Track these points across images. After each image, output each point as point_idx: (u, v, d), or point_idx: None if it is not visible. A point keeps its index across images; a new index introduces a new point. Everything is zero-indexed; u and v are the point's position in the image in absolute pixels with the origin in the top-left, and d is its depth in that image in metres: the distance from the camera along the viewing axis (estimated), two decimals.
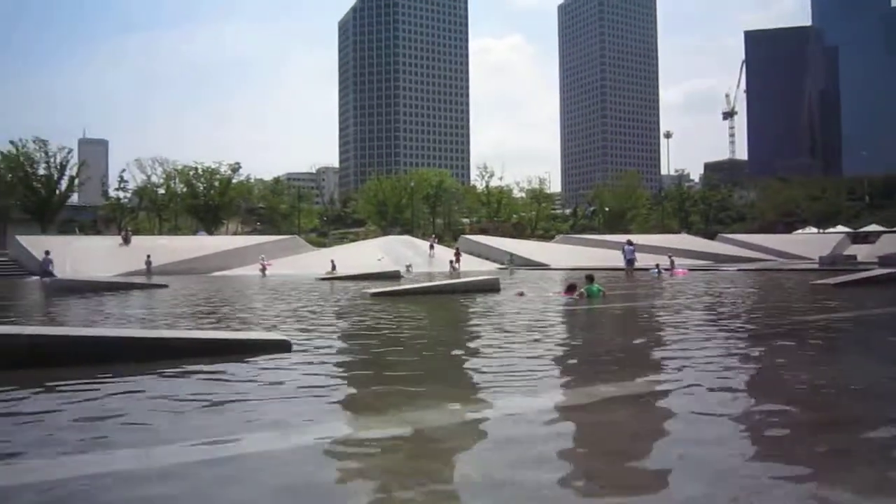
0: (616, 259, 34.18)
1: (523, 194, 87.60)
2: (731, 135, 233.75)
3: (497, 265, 44.11)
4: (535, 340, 7.89)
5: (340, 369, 6.26)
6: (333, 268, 36.85)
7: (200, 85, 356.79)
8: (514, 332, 8.71)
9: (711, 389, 4.74)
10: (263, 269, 37.44)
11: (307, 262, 41.92)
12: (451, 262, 40.74)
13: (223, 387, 4.90)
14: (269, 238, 53.42)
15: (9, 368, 5.37)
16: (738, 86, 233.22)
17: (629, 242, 27.54)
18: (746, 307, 12.73)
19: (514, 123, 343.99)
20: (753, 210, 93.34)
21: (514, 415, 4.15)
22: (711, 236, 64.29)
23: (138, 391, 4.75)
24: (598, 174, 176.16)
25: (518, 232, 73.71)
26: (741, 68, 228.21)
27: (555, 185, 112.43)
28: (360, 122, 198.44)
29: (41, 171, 61.07)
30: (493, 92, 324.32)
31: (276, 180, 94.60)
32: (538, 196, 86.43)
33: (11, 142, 60.83)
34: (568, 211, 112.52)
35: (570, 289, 14.68)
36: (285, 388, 4.94)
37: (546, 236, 73.78)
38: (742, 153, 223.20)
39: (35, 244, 41.99)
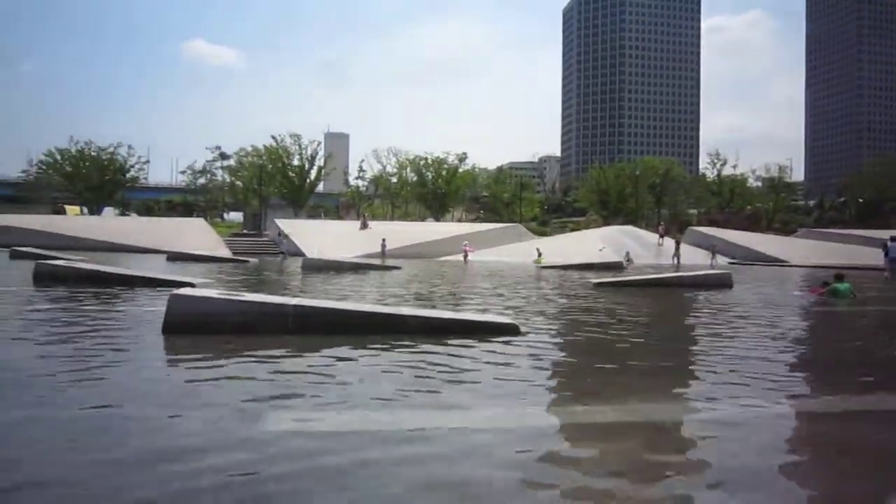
0: (871, 257, 30.29)
1: (759, 183, 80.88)
2: None
3: (727, 259, 41.28)
4: (770, 339, 7.34)
5: (566, 355, 6.33)
6: (540, 255, 37.31)
7: (429, 80, 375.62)
8: (746, 329, 8.16)
9: None
10: (465, 256, 38.85)
11: (519, 250, 42.46)
12: (673, 255, 39.06)
13: (458, 363, 5.18)
14: (491, 226, 54.99)
15: (278, 333, 6.17)
16: None
17: (893, 239, 24.14)
18: None
19: (750, 107, 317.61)
20: None
21: (745, 415, 3.93)
22: None
23: (383, 360, 5.20)
24: (850, 161, 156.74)
25: (752, 224, 68.21)
26: None
27: (797, 174, 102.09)
28: (582, 109, 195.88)
29: (295, 162, 68.41)
30: (726, 73, 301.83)
31: (499, 169, 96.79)
32: (776, 185, 79.25)
33: (273, 136, 68.86)
34: (812, 202, 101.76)
35: (822, 286, 13.40)
36: (515, 368, 5.11)
37: (785, 230, 67.47)
38: None
39: (290, 227, 47.16)
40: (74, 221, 50.38)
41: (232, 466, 2.75)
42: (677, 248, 39.77)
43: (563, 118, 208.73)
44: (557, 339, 7.29)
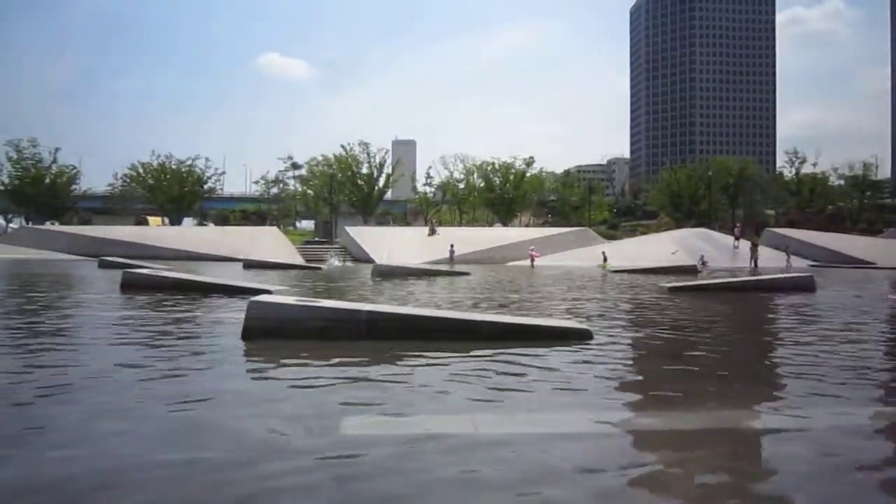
0: None
1: (841, 182, 77.43)
2: None
3: (808, 261, 39.66)
4: (857, 345, 7.01)
5: (642, 360, 6.20)
6: (605, 259, 36.86)
7: (492, 83, 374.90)
8: (831, 335, 7.81)
9: None
10: (532, 260, 38.65)
11: (588, 255, 41.93)
12: (750, 258, 37.81)
13: (531, 368, 5.16)
14: (559, 230, 54.53)
15: (352, 339, 6.28)
16: None
17: None
18: None
19: (830, 101, 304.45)
20: None
21: (835, 426, 3.76)
22: None
23: (456, 366, 5.22)
24: None
25: (834, 224, 65.33)
26: None
27: (883, 171, 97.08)
28: (651, 109, 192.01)
29: (364, 170, 69.60)
30: (804, 67, 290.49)
31: (567, 173, 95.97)
32: (860, 183, 75.69)
33: (342, 145, 70.27)
34: None
35: None
36: (588, 374, 5.04)
37: (871, 230, 64.31)
38: None
39: (359, 234, 47.99)
40: (156, 232, 52.63)
41: (316, 469, 2.82)
42: (753, 251, 38.47)
43: (632, 119, 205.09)
44: (632, 345, 7.15)
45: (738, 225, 53.98)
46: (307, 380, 4.67)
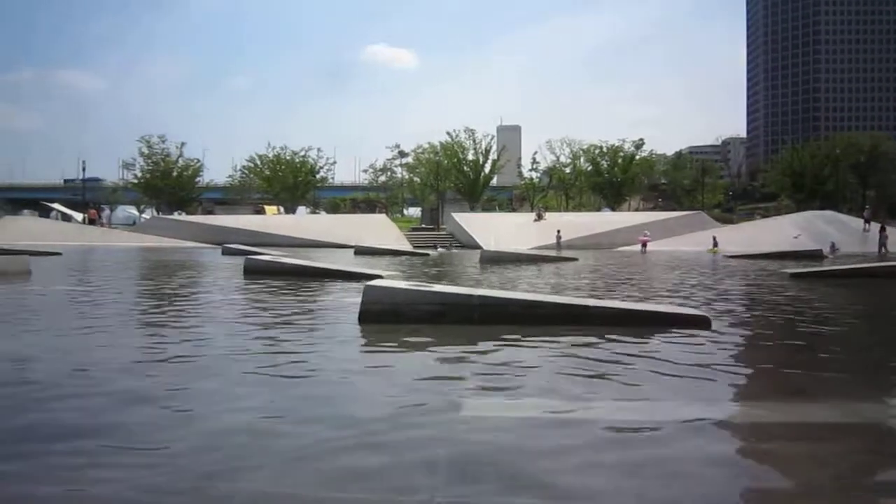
0: None
1: None
2: None
3: None
4: None
5: (763, 349, 5.95)
6: (715, 244, 35.37)
7: (598, 64, 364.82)
8: None
9: None
10: (644, 245, 37.51)
11: (702, 239, 40.31)
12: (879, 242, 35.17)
13: (644, 355, 5.06)
14: (671, 214, 52.74)
15: (464, 323, 6.39)
16: None
17: None
18: None
19: None
20: None
21: None
22: None
23: (566, 351, 5.20)
24: None
25: None
26: None
27: None
28: (770, 85, 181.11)
29: (470, 157, 69.79)
30: None
31: (679, 154, 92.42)
32: None
33: (448, 132, 70.78)
34: None
35: None
36: (707, 362, 4.86)
37: None
38: None
39: (465, 220, 48.34)
40: (273, 220, 55.09)
41: (438, 449, 2.91)
42: (882, 235, 35.75)
43: (749, 96, 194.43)
44: (752, 332, 6.87)
45: (867, 207, 50.30)
46: (424, 362, 4.81)
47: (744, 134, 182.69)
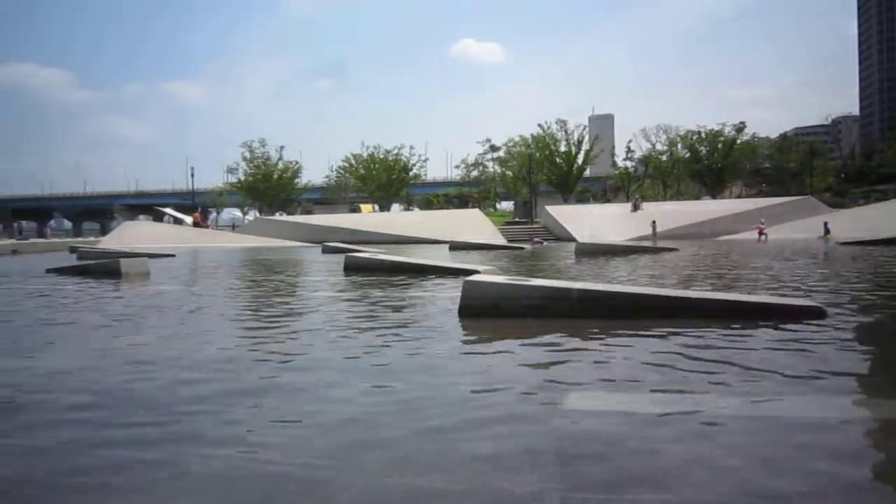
0: None
1: None
2: None
3: None
4: None
5: (886, 341, 5.62)
6: (827, 231, 33.43)
7: (693, 47, 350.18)
8: None
9: None
10: (760, 233, 35.83)
11: (812, 226, 38.16)
12: None
13: (754, 348, 4.89)
14: (776, 200, 50.21)
15: (563, 317, 6.37)
16: None
17: None
18: None
19: None
20: None
21: None
22: None
23: (670, 344, 5.09)
24: None
25: None
26: None
27: None
28: (887, 57, 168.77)
29: (562, 148, 68.96)
30: None
31: (783, 136, 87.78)
32: None
33: (539, 124, 70.19)
34: None
35: None
36: (822, 355, 4.64)
37: None
38: None
39: (559, 213, 47.83)
40: (369, 218, 56.36)
41: (543, 442, 2.95)
42: None
43: (861, 70, 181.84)
44: (873, 324, 6.48)
45: None
46: (526, 356, 4.84)
47: (856, 111, 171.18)
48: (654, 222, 40.87)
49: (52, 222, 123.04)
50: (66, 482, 2.60)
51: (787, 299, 7.16)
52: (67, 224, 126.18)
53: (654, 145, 74.67)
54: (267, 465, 2.69)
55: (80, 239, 59.27)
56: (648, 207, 48.87)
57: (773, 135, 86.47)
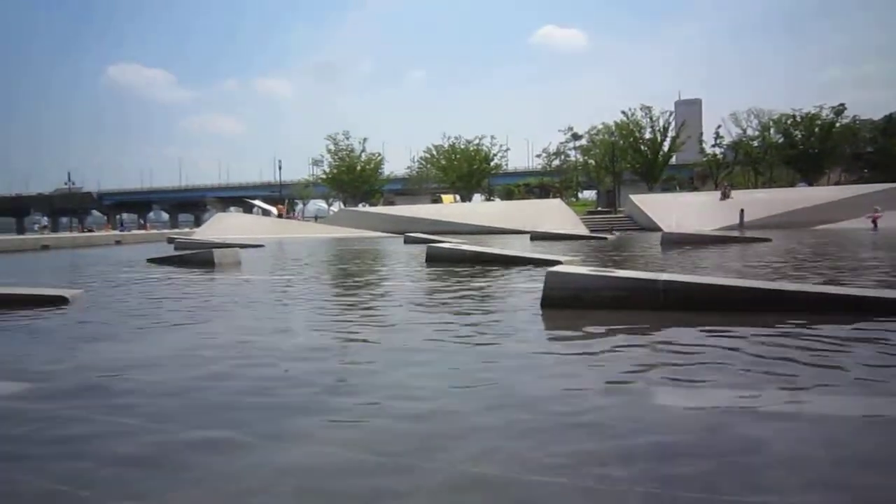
0: None
1: None
2: None
3: None
4: None
5: None
6: None
7: (787, 24, 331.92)
8: None
9: None
10: (875, 222, 33.65)
11: None
12: None
13: (857, 345, 4.65)
14: (881, 186, 47.26)
15: (649, 309, 6.23)
16: None
17: None
18: None
19: None
20: None
21: None
22: None
23: (764, 339, 4.90)
24: None
25: None
26: None
27: None
28: None
29: (647, 135, 67.18)
30: None
31: (888, 118, 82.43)
32: None
33: (623, 111, 68.57)
34: None
35: None
36: None
37: None
38: None
39: (644, 202, 46.73)
40: (450, 209, 56.65)
41: (635, 438, 2.91)
42: None
43: None
44: None
45: None
46: (613, 348, 4.77)
47: None
48: (742, 210, 39.33)
49: (150, 214, 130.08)
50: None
51: (884, 292, 6.75)
52: (165, 216, 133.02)
53: (744, 130, 71.59)
54: (352, 453, 2.76)
55: (176, 230, 62.33)
56: (738, 195, 47.01)
57: (877, 116, 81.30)
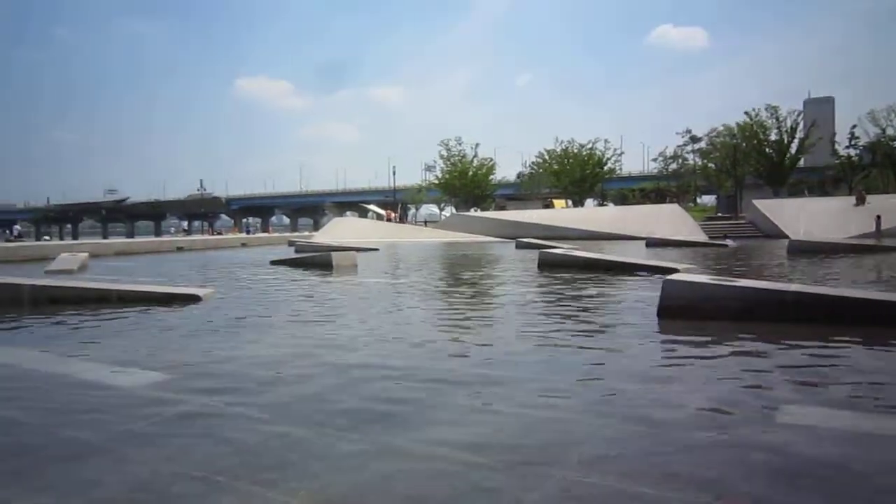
0: None
1: None
2: None
3: None
4: None
5: None
6: None
7: None
8: None
9: None
10: None
11: None
12: None
13: None
14: None
15: (775, 321, 5.93)
16: None
17: None
18: None
19: None
20: None
21: None
22: None
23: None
24: None
25: None
26: None
27: None
28: None
29: (772, 137, 63.70)
30: None
31: None
32: None
33: (746, 112, 65.33)
34: None
35: None
36: None
37: None
38: None
39: (768, 207, 44.36)
40: (562, 214, 56.02)
41: (754, 456, 2.81)
42: None
43: None
44: None
45: None
46: (733, 362, 4.60)
47: None
48: (878, 217, 36.48)
49: (273, 218, 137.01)
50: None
51: None
52: (286, 220, 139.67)
53: (883, 130, 66.26)
54: (458, 454, 2.82)
55: (296, 234, 65.09)
56: (875, 201, 43.63)
57: None
